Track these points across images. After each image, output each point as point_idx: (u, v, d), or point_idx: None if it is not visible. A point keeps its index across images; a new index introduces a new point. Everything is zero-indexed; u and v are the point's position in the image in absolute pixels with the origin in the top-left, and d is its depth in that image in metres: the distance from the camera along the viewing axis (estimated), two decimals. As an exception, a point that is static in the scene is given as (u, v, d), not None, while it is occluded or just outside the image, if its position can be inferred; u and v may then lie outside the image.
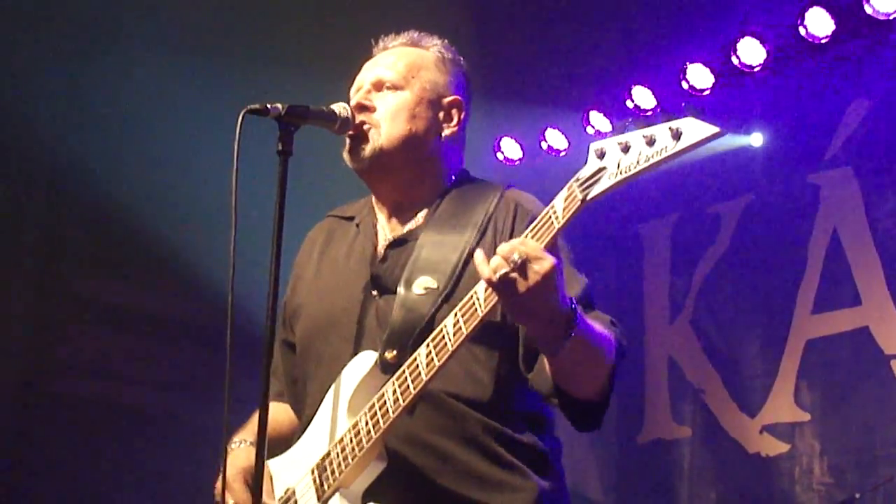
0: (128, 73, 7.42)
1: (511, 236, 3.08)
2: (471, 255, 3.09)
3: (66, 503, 7.60)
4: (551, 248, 2.76)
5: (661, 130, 2.57)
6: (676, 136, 2.55)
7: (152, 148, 7.70)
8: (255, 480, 2.80)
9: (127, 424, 7.98)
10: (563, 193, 2.72)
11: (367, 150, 3.26)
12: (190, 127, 7.42)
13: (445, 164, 3.37)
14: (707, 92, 7.09)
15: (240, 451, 3.26)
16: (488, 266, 2.73)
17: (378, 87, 3.33)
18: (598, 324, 2.96)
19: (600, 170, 2.65)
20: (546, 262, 2.70)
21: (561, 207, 2.72)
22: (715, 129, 2.52)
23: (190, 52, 7.26)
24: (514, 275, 2.69)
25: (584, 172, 2.69)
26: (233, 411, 2.97)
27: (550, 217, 2.74)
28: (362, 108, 3.29)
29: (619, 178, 2.62)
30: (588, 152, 2.69)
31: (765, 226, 7.38)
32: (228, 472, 3.19)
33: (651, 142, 2.58)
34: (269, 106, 2.99)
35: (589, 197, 2.66)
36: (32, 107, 7.50)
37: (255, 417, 3.28)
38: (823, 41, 6.65)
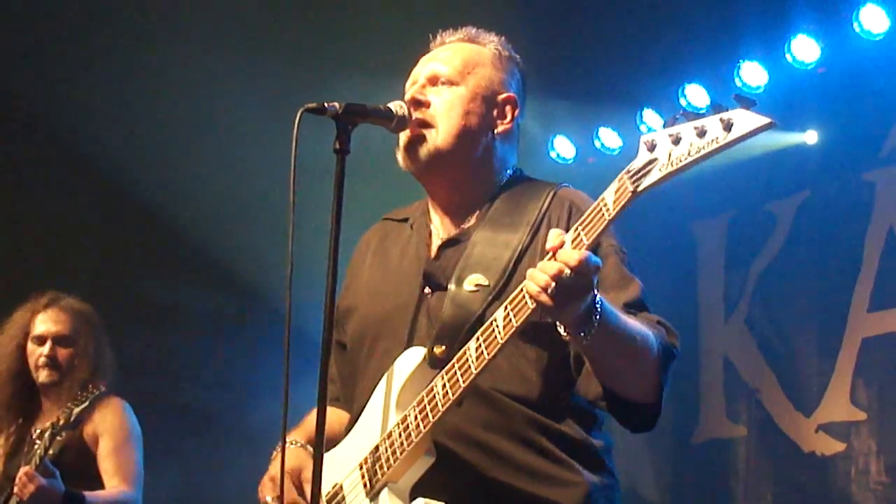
0: (182, 75, 7.49)
1: None
2: (523, 253, 3.13)
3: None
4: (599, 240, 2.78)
5: (712, 122, 2.57)
6: (728, 127, 2.54)
7: (207, 149, 7.78)
8: (314, 481, 2.79)
9: (180, 422, 8.07)
10: (614, 185, 2.72)
11: (423, 151, 3.25)
12: (245, 127, 7.49)
13: (498, 162, 3.35)
14: (761, 89, 7.08)
15: (289, 451, 3.22)
16: (537, 286, 2.75)
17: (433, 81, 3.33)
18: (637, 321, 2.95)
19: (651, 161, 2.65)
20: (587, 278, 2.73)
21: (612, 199, 2.71)
22: (766, 120, 2.51)
23: (244, 52, 7.32)
24: (561, 291, 2.72)
25: (635, 164, 2.68)
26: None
27: (601, 209, 2.73)
28: (416, 102, 3.28)
29: (671, 168, 2.62)
30: (639, 145, 2.69)
31: (820, 224, 7.33)
32: (274, 472, 3.20)
33: (702, 133, 2.58)
34: (326, 105, 2.96)
35: (640, 188, 2.66)
36: (90, 114, 7.59)
37: (307, 419, 3.33)
38: (878, 37, 6.63)
